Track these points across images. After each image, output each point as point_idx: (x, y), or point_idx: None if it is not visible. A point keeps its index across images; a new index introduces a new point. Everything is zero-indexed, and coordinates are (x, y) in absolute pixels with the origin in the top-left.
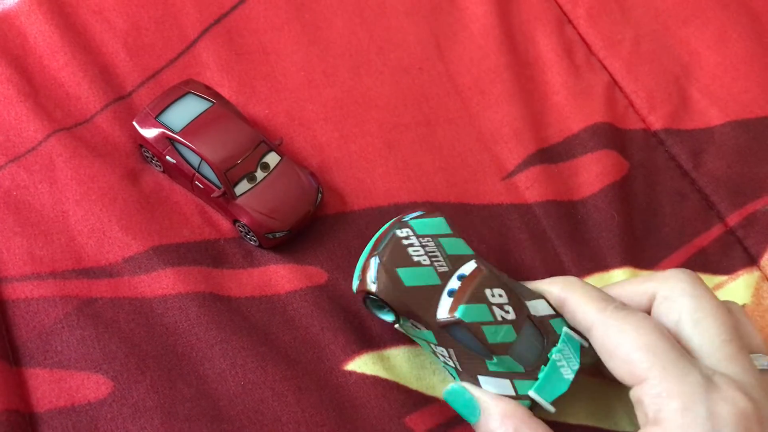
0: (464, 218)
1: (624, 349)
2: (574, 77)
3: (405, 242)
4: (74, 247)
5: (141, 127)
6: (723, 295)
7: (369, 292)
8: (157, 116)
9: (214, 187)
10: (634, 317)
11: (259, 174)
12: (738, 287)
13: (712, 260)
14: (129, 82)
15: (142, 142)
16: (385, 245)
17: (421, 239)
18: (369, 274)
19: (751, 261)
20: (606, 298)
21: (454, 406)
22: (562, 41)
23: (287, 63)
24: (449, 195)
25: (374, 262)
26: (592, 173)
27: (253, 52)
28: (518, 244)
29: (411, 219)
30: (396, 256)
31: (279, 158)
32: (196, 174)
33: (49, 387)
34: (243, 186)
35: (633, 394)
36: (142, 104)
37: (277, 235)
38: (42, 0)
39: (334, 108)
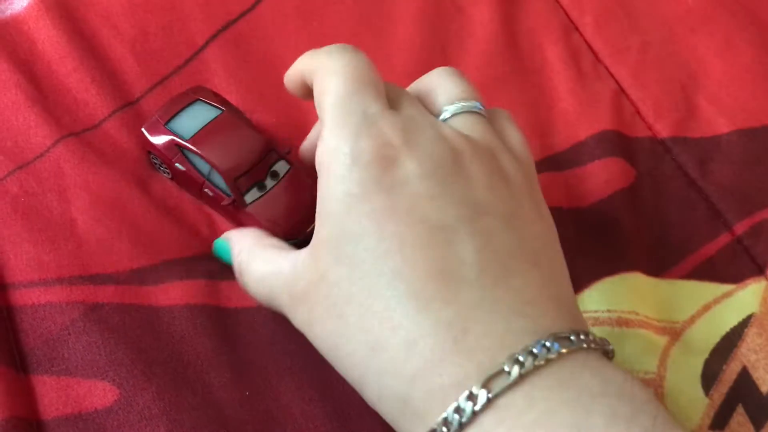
0: None
1: (320, 91)
2: (580, 85)
3: None
4: (81, 255)
5: (150, 134)
6: (731, 303)
7: None
8: (166, 123)
9: (223, 195)
10: (344, 55)
11: (269, 182)
12: (746, 296)
13: (720, 269)
14: (137, 88)
15: (150, 149)
16: None
17: None
18: None
19: (759, 270)
20: (335, 47)
21: (224, 259)
22: (568, 48)
23: None
24: None
25: None
26: (599, 181)
27: (260, 60)
28: None
29: None
30: None
31: (288, 166)
32: (206, 182)
33: (57, 394)
34: (253, 194)
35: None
36: (150, 110)
37: (289, 242)
38: (50, 5)
39: None
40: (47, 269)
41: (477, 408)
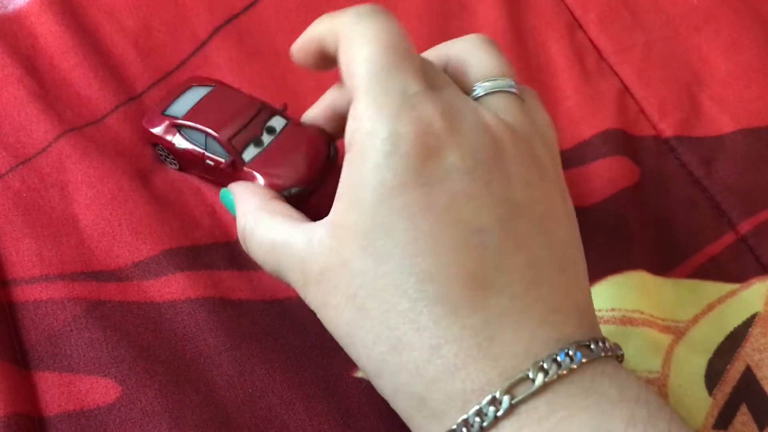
0: None
1: (350, 59)
2: (585, 83)
3: None
4: (83, 250)
5: (150, 125)
6: (735, 303)
7: None
8: (163, 111)
9: (222, 160)
10: (376, 20)
11: (266, 138)
12: (750, 295)
13: (724, 268)
14: (140, 83)
15: (153, 140)
16: None
17: None
18: None
19: (763, 269)
20: (362, 8)
21: (228, 208)
22: (572, 46)
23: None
24: None
25: None
26: (604, 179)
27: (264, 54)
28: None
29: None
30: None
31: (285, 121)
32: (205, 153)
33: (59, 391)
34: (251, 151)
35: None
36: (152, 106)
37: (293, 191)
38: (53, 0)
39: None
40: (49, 265)
41: (500, 413)
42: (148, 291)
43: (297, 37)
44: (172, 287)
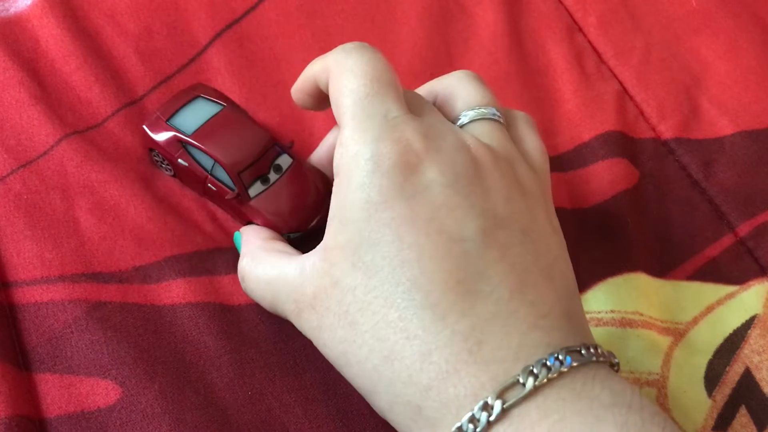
0: None
1: (337, 92)
2: (584, 85)
3: None
4: (84, 253)
5: (152, 131)
6: (734, 304)
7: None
8: (167, 120)
9: (227, 190)
10: (361, 55)
11: (272, 176)
12: (749, 297)
13: (723, 270)
14: (140, 87)
15: (152, 146)
16: None
17: None
18: None
19: (762, 271)
20: (349, 46)
21: (238, 249)
22: (572, 49)
23: (298, 70)
24: None
25: None
26: (603, 181)
27: (264, 59)
28: None
29: None
30: None
31: (291, 160)
32: (209, 177)
33: (59, 392)
34: (257, 188)
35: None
36: (153, 109)
37: (291, 236)
38: (54, 3)
39: None
40: (50, 267)
41: (492, 418)
42: (149, 294)
43: (296, 42)
44: (173, 292)
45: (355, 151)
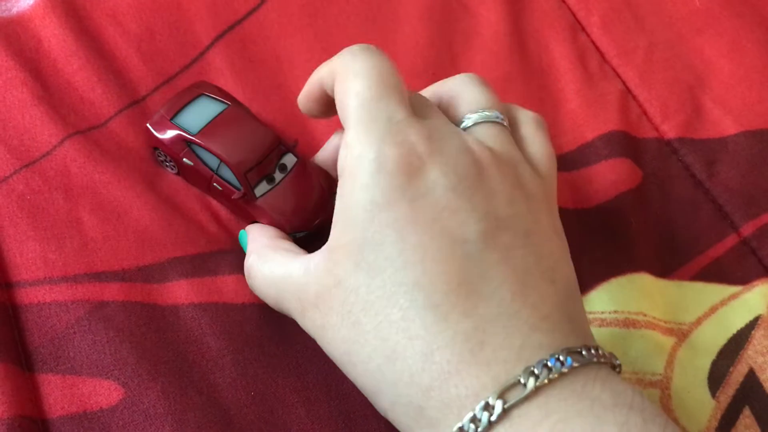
0: None
1: (342, 93)
2: (587, 85)
3: None
4: (86, 253)
5: (156, 130)
6: (738, 305)
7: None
8: (171, 118)
9: (233, 189)
10: (366, 57)
11: (278, 175)
12: (753, 297)
13: (727, 270)
14: (143, 87)
15: (156, 145)
16: None
17: None
18: None
19: (766, 271)
20: (355, 48)
21: (243, 248)
22: (575, 48)
23: (300, 70)
24: None
25: None
26: (606, 181)
27: (266, 59)
28: None
29: None
30: None
31: (296, 159)
32: (215, 176)
33: (62, 393)
34: (262, 187)
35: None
36: (156, 109)
37: (297, 235)
38: (56, 3)
39: None
40: (53, 267)
41: (493, 418)
42: (152, 294)
43: (298, 42)
44: (176, 293)
45: (360, 152)
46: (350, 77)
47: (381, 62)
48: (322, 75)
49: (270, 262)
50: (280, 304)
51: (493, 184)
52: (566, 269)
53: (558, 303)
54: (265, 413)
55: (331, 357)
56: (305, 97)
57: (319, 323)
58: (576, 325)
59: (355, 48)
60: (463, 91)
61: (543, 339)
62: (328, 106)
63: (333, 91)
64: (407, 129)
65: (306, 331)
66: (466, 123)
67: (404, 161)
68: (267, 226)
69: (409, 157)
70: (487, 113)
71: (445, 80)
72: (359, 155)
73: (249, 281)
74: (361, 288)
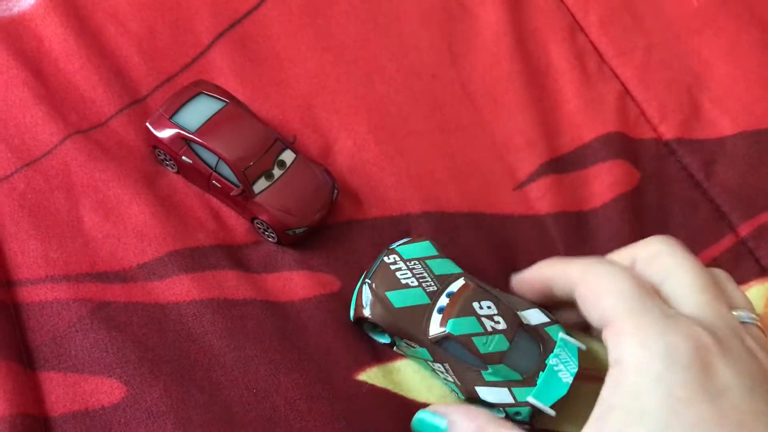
0: (475, 228)
1: (596, 294)
2: (586, 86)
3: (393, 267)
4: (88, 252)
5: (155, 128)
6: None
7: (362, 317)
8: (170, 117)
9: (232, 186)
10: (610, 267)
11: (276, 172)
12: (750, 297)
13: (724, 270)
14: (144, 86)
15: (156, 144)
16: (374, 272)
17: (408, 263)
18: (361, 300)
19: (763, 271)
20: (589, 259)
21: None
22: (574, 49)
23: (300, 69)
24: (461, 205)
25: (365, 288)
26: (604, 183)
27: (266, 58)
28: (528, 255)
29: (398, 246)
30: (384, 280)
31: (294, 156)
32: (214, 173)
33: (64, 391)
34: (261, 184)
35: (603, 338)
36: (156, 108)
37: (297, 231)
38: (57, 3)
39: (348, 115)
40: (54, 266)
41: None
42: (153, 292)
43: (298, 41)
44: (177, 289)
45: (643, 342)
46: (604, 280)
47: (621, 268)
48: (551, 275)
49: None
50: None
51: None
52: None
53: None
54: (267, 410)
55: None
56: (525, 283)
57: None
58: None
59: (591, 260)
60: (724, 285)
61: None
62: (545, 297)
63: (564, 293)
64: (685, 321)
65: None
66: (743, 317)
67: (697, 356)
68: (468, 408)
69: (699, 351)
70: (754, 316)
71: (637, 246)
72: (644, 345)
73: None
74: None
